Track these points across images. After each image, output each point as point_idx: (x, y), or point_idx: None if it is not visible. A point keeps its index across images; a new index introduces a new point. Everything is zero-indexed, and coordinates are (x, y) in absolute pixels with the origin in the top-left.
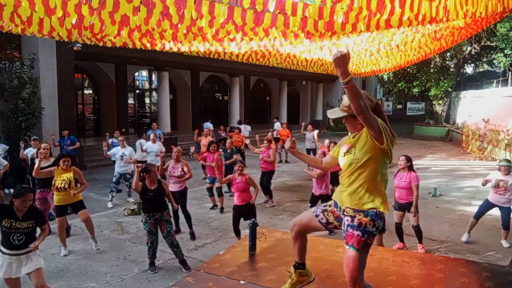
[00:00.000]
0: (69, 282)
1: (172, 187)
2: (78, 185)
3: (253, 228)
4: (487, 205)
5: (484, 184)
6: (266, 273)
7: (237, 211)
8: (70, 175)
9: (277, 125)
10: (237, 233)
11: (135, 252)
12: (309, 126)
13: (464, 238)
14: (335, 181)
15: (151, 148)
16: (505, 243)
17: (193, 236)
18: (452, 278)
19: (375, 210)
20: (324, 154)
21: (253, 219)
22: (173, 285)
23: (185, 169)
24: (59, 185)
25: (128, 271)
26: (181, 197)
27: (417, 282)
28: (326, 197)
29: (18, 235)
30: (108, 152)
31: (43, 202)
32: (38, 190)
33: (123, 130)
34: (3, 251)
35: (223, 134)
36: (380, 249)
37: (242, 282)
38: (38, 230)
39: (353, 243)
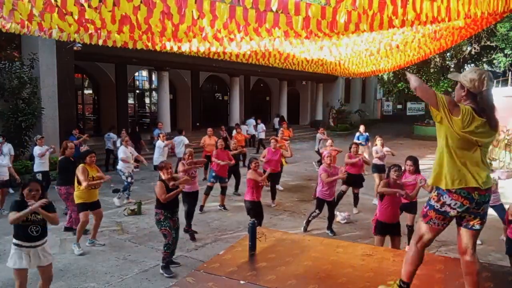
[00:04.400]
0: (69, 282)
1: (186, 188)
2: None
3: (253, 228)
4: None
5: None
6: (266, 273)
7: (257, 207)
8: (97, 171)
9: (276, 120)
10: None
11: (135, 252)
12: (321, 129)
13: None
14: (356, 183)
15: (163, 146)
16: None
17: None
18: (452, 278)
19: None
20: (332, 156)
21: (253, 219)
22: (173, 285)
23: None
24: (95, 182)
25: (128, 271)
26: (193, 197)
27: (417, 282)
28: (334, 200)
29: (35, 227)
30: (119, 156)
31: (67, 198)
32: (60, 187)
33: (124, 129)
34: (20, 245)
35: (224, 134)
36: (380, 249)
37: (242, 282)
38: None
39: (421, 211)
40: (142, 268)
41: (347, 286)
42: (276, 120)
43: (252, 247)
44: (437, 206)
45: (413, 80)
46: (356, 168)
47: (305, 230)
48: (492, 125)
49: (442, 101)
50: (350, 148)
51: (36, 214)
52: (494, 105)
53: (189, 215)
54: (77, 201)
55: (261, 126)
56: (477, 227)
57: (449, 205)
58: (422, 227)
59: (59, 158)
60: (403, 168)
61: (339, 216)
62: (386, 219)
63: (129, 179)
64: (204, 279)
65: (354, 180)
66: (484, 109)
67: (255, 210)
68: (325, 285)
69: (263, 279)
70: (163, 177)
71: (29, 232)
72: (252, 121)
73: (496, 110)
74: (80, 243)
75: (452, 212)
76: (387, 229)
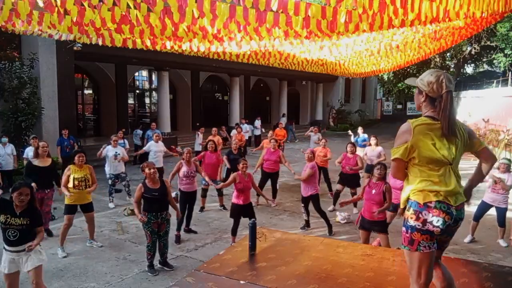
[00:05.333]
0: (69, 282)
1: (185, 187)
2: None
3: (253, 228)
4: (484, 207)
5: (486, 180)
6: (266, 273)
7: (239, 211)
8: (86, 173)
9: (283, 120)
10: (235, 232)
11: (135, 252)
12: (315, 128)
13: (468, 239)
14: (351, 183)
15: (156, 147)
16: (502, 242)
17: (188, 232)
18: None
19: (413, 200)
20: (313, 153)
21: (253, 219)
22: (173, 285)
23: (198, 169)
24: (77, 183)
25: (128, 271)
26: (192, 197)
27: None
28: (316, 196)
29: (12, 231)
30: (103, 151)
31: (40, 203)
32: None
33: (123, 130)
34: (5, 248)
35: (225, 134)
36: (380, 249)
37: (242, 282)
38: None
39: (402, 240)
40: (142, 268)
41: (347, 286)
42: (283, 119)
43: (252, 247)
44: (419, 225)
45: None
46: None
47: (303, 228)
48: (444, 131)
49: (398, 149)
50: (346, 147)
51: (16, 218)
52: (453, 111)
53: (188, 216)
54: (65, 201)
55: (244, 127)
56: (447, 245)
57: (430, 222)
58: (414, 258)
59: (29, 160)
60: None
61: (339, 216)
62: (365, 215)
63: (109, 181)
64: (204, 279)
65: (348, 180)
66: (440, 113)
67: (237, 213)
68: (325, 285)
69: (263, 279)
70: (146, 179)
71: (7, 236)
72: (258, 122)
73: (456, 115)
74: (66, 246)
75: (436, 231)
76: (369, 225)
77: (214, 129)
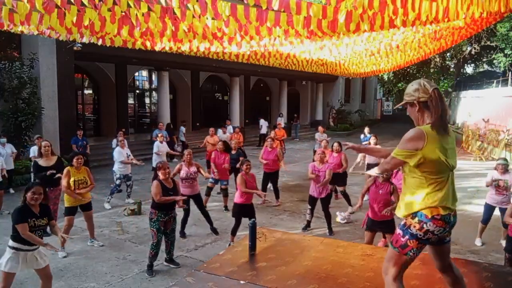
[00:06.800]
0: (69, 282)
1: (185, 191)
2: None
3: (253, 228)
4: (489, 209)
5: (489, 184)
6: (266, 273)
7: (241, 211)
8: (84, 175)
9: (280, 119)
10: (235, 232)
11: (135, 252)
12: (320, 128)
13: (478, 242)
14: (339, 182)
15: (162, 147)
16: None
17: (215, 232)
18: None
19: (422, 212)
20: (324, 154)
21: (253, 219)
22: (173, 285)
23: (201, 170)
24: (77, 186)
25: (128, 271)
26: (196, 200)
27: (417, 282)
28: (329, 196)
29: (38, 232)
30: (115, 158)
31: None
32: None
33: (123, 130)
34: (19, 248)
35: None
36: (380, 249)
37: (242, 282)
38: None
39: (392, 240)
40: (142, 268)
41: (347, 286)
42: (280, 119)
43: (252, 247)
44: (420, 235)
45: (378, 170)
46: (334, 167)
47: (304, 228)
48: (437, 125)
49: (403, 153)
50: (332, 146)
51: (41, 219)
52: (445, 106)
53: (205, 215)
54: (66, 204)
55: (229, 129)
56: (448, 239)
57: (432, 232)
58: (399, 260)
59: (35, 160)
60: None
61: (339, 216)
62: (372, 215)
63: (117, 182)
64: (204, 279)
65: (336, 178)
66: (433, 110)
67: (242, 214)
68: (325, 285)
69: (263, 279)
70: (160, 177)
71: None
72: (263, 122)
73: (448, 112)
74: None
75: (433, 238)
76: (376, 226)
77: (211, 129)
